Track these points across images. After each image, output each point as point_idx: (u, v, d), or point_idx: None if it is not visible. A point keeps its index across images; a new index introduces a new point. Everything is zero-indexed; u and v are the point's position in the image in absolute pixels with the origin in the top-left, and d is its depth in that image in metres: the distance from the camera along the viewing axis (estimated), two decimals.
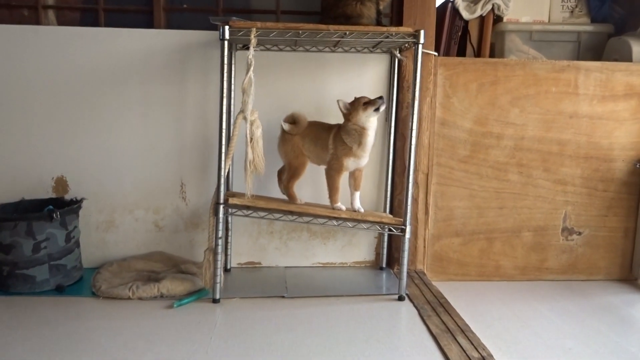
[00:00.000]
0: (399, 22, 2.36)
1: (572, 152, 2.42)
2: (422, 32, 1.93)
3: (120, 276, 2.19)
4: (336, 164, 2.06)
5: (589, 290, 2.35)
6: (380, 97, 2.02)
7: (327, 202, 2.13)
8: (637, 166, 2.42)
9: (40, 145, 2.30)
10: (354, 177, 2.14)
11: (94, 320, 1.85)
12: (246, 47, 1.92)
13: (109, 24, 2.41)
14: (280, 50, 2.31)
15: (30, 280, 2.07)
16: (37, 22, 2.38)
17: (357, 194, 2.14)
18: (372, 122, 2.04)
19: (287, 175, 2.16)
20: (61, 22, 2.43)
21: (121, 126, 2.32)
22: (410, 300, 2.09)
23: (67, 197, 2.31)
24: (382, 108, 2.02)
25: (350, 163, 2.06)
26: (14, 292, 2.07)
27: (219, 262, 1.99)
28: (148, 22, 2.42)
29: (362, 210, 2.12)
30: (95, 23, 2.42)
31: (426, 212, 2.42)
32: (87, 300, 2.04)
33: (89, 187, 2.34)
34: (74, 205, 2.19)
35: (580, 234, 2.47)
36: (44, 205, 2.20)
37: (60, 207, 2.15)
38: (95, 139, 2.32)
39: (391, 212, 2.39)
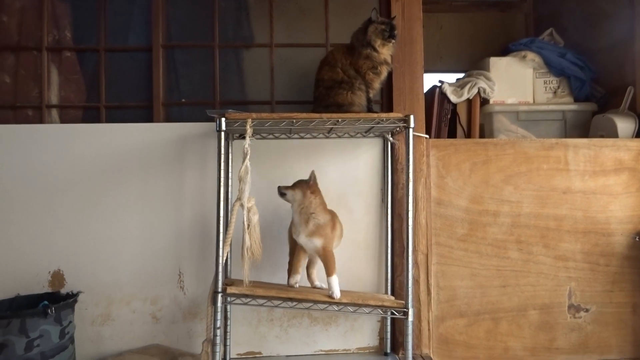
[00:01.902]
0: (389, 108, 2.45)
1: (569, 227, 2.42)
2: (411, 116, 1.99)
3: None
4: None
5: None
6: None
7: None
8: (637, 239, 2.42)
9: (37, 240, 2.30)
10: (321, 260, 2.05)
11: None
12: (242, 137, 1.97)
13: (110, 119, 2.51)
14: (276, 137, 2.37)
15: None
16: (41, 121, 2.47)
17: (330, 279, 2.00)
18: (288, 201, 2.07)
19: None
20: (64, 120, 2.53)
21: (119, 217, 2.34)
22: None
23: (63, 291, 2.27)
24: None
25: (295, 236, 2.05)
26: None
27: (217, 354, 1.92)
28: (148, 116, 2.51)
29: (336, 295, 1.98)
30: (96, 119, 2.52)
31: (428, 293, 2.38)
32: None
33: (86, 280, 2.31)
34: (69, 300, 2.14)
35: (587, 310, 2.42)
36: (39, 300, 2.15)
37: (56, 301, 2.10)
38: (93, 230, 2.32)
39: (392, 293, 2.35)
